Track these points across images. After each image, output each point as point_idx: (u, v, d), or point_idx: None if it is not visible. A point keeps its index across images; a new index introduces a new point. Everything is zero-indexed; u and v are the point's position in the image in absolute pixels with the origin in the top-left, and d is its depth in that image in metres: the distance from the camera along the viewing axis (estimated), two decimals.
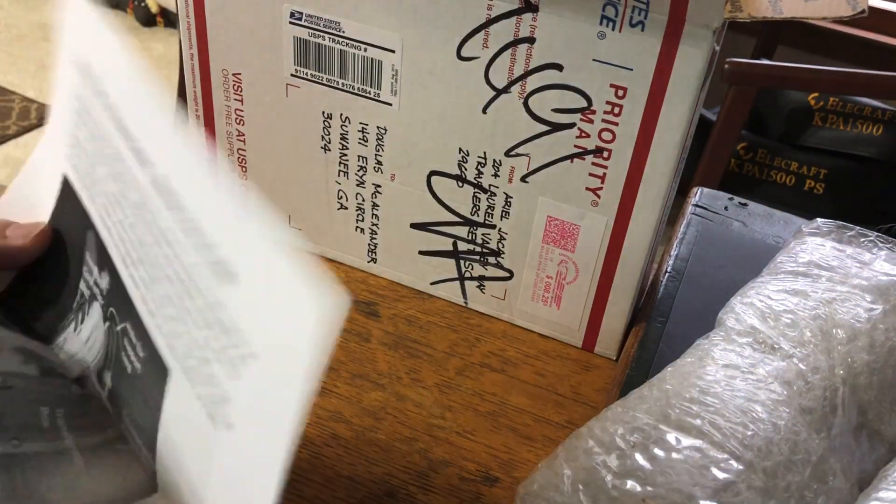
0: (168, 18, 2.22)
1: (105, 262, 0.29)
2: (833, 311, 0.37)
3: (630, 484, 0.29)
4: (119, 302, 0.29)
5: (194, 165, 0.25)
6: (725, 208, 0.55)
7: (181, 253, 0.25)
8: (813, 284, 0.39)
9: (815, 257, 0.41)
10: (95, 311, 0.30)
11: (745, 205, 0.55)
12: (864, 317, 0.36)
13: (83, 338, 0.30)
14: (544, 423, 0.42)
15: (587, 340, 0.47)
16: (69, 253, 0.31)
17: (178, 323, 0.26)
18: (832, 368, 0.34)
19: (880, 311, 0.37)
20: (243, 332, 0.23)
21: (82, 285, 0.31)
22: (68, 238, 0.31)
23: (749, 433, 0.31)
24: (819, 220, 0.45)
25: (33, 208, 0.33)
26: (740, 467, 0.30)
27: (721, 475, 0.30)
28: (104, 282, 0.29)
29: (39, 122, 1.69)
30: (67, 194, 0.31)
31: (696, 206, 0.55)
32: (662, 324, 0.44)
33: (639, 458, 0.30)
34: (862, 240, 0.42)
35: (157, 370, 0.27)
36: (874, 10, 1.28)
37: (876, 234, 0.42)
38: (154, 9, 2.22)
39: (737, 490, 0.29)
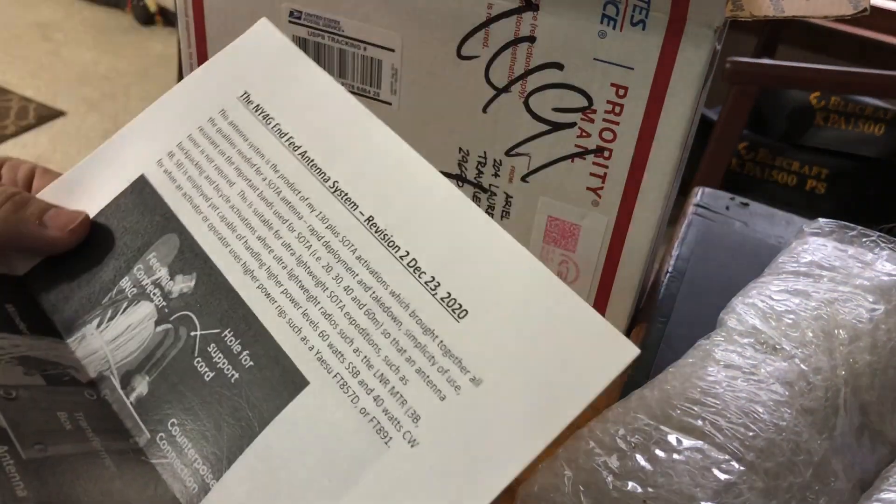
0: (167, 17, 2.22)
1: (192, 268, 0.29)
2: (835, 311, 0.36)
3: (631, 485, 0.29)
4: (211, 309, 0.28)
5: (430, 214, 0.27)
6: (727, 208, 0.54)
7: (389, 284, 0.26)
8: (815, 285, 0.38)
9: (816, 257, 0.41)
10: (141, 310, 0.29)
11: (746, 205, 0.55)
12: (866, 317, 0.36)
13: (109, 336, 0.29)
14: None
15: None
16: (115, 248, 0.31)
17: (347, 341, 0.26)
18: (834, 369, 0.34)
19: (882, 312, 0.36)
20: (465, 360, 0.24)
21: (125, 283, 0.30)
22: (121, 234, 0.31)
23: (750, 434, 0.31)
24: (821, 219, 0.44)
25: (84, 197, 0.32)
26: (742, 468, 0.30)
27: (722, 476, 0.29)
28: (178, 286, 0.29)
29: (37, 122, 1.69)
30: (142, 193, 0.31)
31: (698, 206, 0.54)
32: (663, 324, 0.44)
33: (640, 459, 0.30)
34: (864, 240, 0.42)
35: (279, 381, 0.26)
36: (876, 10, 1.28)
37: (878, 233, 0.42)
38: (153, 8, 2.22)
39: (738, 491, 0.29)
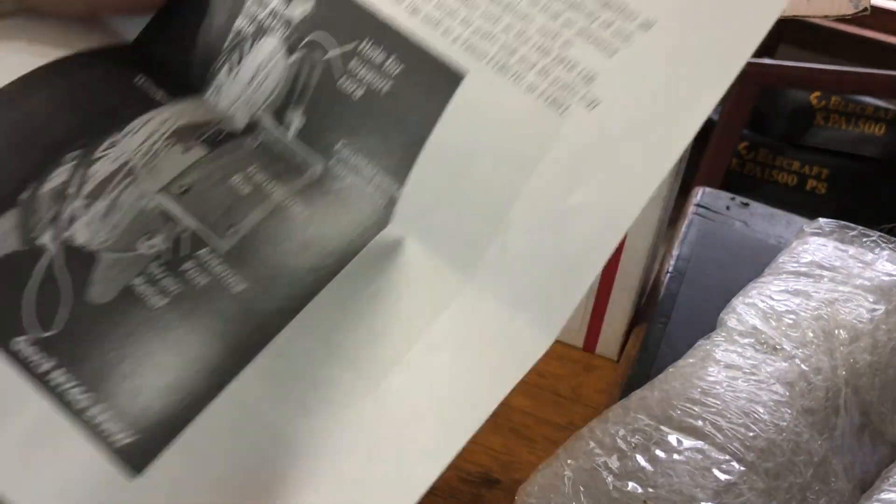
0: None
1: None
2: (835, 311, 0.36)
3: (631, 485, 0.29)
4: (339, 26, 0.26)
5: None
6: (727, 208, 0.54)
7: None
8: (815, 285, 0.38)
9: (817, 257, 0.40)
10: (266, 45, 0.27)
11: (746, 205, 0.55)
12: (867, 317, 0.36)
13: (244, 78, 0.27)
14: (545, 424, 0.42)
15: (588, 341, 0.47)
16: None
17: (492, 21, 0.24)
18: (834, 369, 0.34)
19: (883, 312, 0.36)
20: (630, 5, 0.22)
21: (240, 22, 0.27)
22: None
23: (751, 434, 0.31)
24: (821, 219, 0.44)
25: None
26: (742, 468, 0.30)
27: (723, 476, 0.29)
28: (297, 10, 0.26)
29: None
30: None
31: (698, 206, 0.54)
32: (664, 324, 0.44)
33: (640, 459, 0.30)
34: (864, 240, 0.42)
35: (433, 80, 0.24)
36: (877, 10, 1.28)
37: (878, 233, 0.42)
38: None
39: (738, 491, 0.29)
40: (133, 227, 0.24)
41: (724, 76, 0.22)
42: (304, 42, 0.26)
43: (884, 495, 0.31)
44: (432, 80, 0.25)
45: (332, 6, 0.26)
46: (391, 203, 0.25)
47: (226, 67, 0.27)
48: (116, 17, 0.28)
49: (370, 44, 0.25)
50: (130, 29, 0.28)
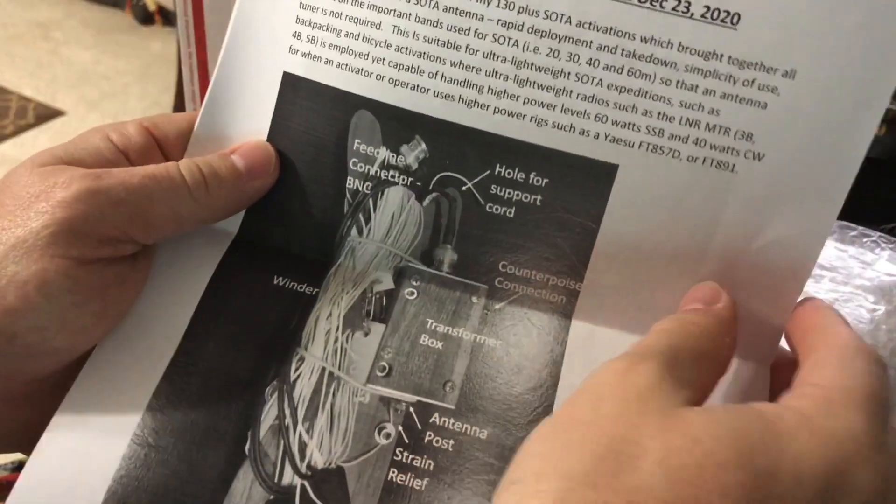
0: (166, 17, 2.22)
1: (409, 132, 0.26)
2: None
3: None
4: (464, 157, 0.25)
5: None
6: None
7: (633, 32, 0.23)
8: (815, 285, 0.38)
9: None
10: (393, 196, 0.26)
11: None
12: (867, 317, 0.36)
13: (379, 233, 0.26)
14: None
15: None
16: (311, 158, 0.27)
17: (628, 111, 0.24)
18: None
19: (883, 312, 0.36)
20: (764, 61, 0.23)
21: (351, 182, 0.26)
22: (304, 142, 0.27)
23: None
24: None
25: (243, 130, 0.27)
26: None
27: None
28: (412, 155, 0.26)
29: (36, 122, 1.69)
30: (296, 89, 0.26)
31: None
32: None
33: None
34: (865, 240, 0.42)
35: (586, 181, 0.24)
36: None
37: (879, 234, 0.42)
38: (152, 7, 2.22)
39: None
40: (361, 426, 0.24)
41: (877, 103, 0.23)
42: (433, 181, 0.26)
43: None
44: (586, 179, 0.24)
45: (450, 141, 0.25)
46: (572, 297, 0.25)
47: (354, 229, 0.27)
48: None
49: (504, 166, 0.25)
50: (227, 223, 0.27)
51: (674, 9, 0.23)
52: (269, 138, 0.27)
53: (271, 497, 0.23)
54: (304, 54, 0.26)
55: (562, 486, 0.16)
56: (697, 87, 0.23)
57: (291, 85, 0.26)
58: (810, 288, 0.38)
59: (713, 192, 0.24)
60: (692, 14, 0.23)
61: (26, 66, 1.88)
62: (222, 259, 0.27)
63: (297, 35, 0.26)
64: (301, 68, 0.26)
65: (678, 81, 0.23)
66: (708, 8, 0.23)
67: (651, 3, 0.23)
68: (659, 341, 0.20)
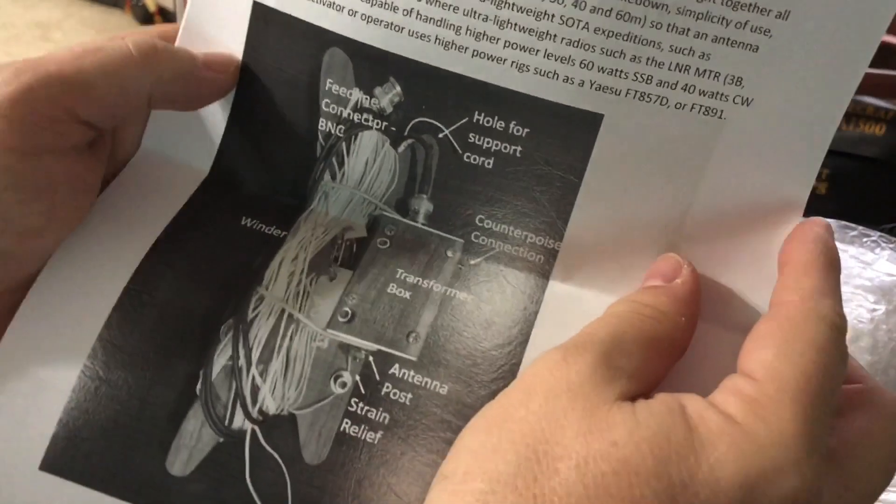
0: (166, 17, 2.21)
1: (384, 74, 0.24)
2: None
3: None
4: (441, 103, 0.24)
5: None
6: None
7: None
8: None
9: None
10: (367, 140, 0.25)
11: None
12: (867, 317, 0.36)
13: (353, 179, 0.25)
14: None
15: None
16: (282, 94, 0.26)
17: (616, 57, 0.22)
18: None
19: (883, 312, 0.36)
20: (758, 1, 0.22)
21: (323, 124, 0.25)
22: (276, 77, 0.26)
23: None
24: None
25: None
26: None
27: None
28: (386, 99, 0.24)
29: None
30: (267, 22, 0.25)
31: None
32: None
33: None
34: (864, 240, 0.42)
35: (569, 131, 0.23)
36: None
37: (879, 233, 0.42)
38: (152, 7, 2.21)
39: None
40: (317, 373, 0.23)
41: (864, 51, 0.22)
42: (408, 127, 0.25)
43: (884, 496, 0.31)
44: (568, 130, 0.23)
45: (427, 85, 0.24)
46: (551, 256, 0.24)
47: (327, 173, 0.26)
48: (184, 150, 0.26)
49: (483, 114, 0.24)
50: (198, 157, 0.26)
51: None
52: (242, 72, 0.26)
53: (221, 440, 0.22)
54: None
55: (484, 488, 0.17)
56: (689, 30, 0.22)
57: (262, 16, 0.25)
58: None
59: (700, 140, 0.23)
60: None
61: None
62: (191, 197, 0.26)
63: None
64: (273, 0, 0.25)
65: (669, 24, 0.22)
66: None
67: None
68: (602, 329, 0.20)
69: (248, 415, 0.22)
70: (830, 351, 0.18)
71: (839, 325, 0.19)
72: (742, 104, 0.22)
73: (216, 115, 0.26)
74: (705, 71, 0.22)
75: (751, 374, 0.18)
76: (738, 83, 0.22)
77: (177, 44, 0.26)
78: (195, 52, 0.25)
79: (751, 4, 0.22)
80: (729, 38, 0.22)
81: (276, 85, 0.26)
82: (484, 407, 0.19)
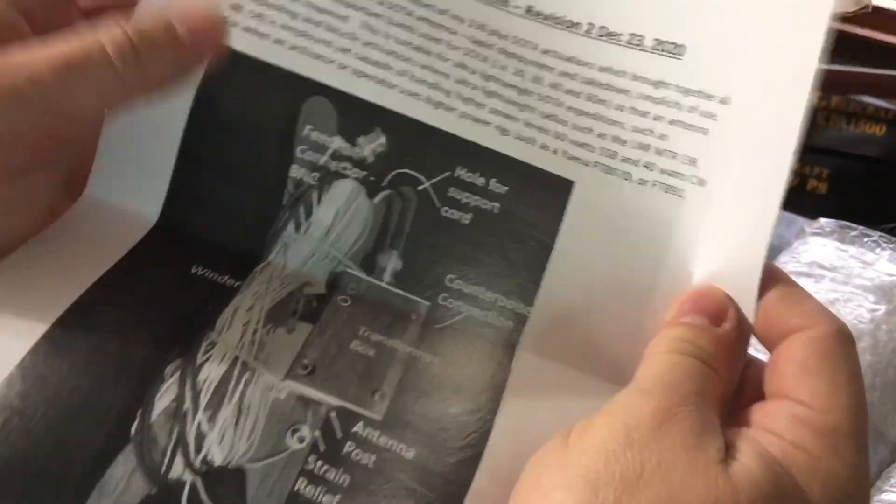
0: None
1: (370, 124, 0.25)
2: (836, 311, 0.36)
3: None
4: (424, 156, 0.25)
5: None
6: None
7: (592, 61, 0.25)
8: (816, 285, 0.38)
9: (817, 257, 0.40)
10: (340, 190, 0.25)
11: None
12: (867, 317, 0.36)
13: (318, 231, 0.25)
14: None
15: None
16: (253, 141, 0.25)
17: (585, 132, 0.24)
18: None
19: (883, 312, 0.36)
20: (704, 88, 0.24)
21: (296, 171, 0.25)
22: (240, 122, 0.25)
23: None
24: (822, 219, 0.44)
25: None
26: None
27: None
28: (369, 148, 0.25)
29: None
30: (233, 66, 0.25)
31: None
32: None
33: None
34: (865, 240, 0.42)
35: (543, 193, 0.24)
36: (876, 10, 1.28)
37: (879, 233, 0.42)
38: None
39: None
40: (272, 424, 0.21)
41: (793, 127, 0.23)
42: (388, 178, 0.25)
43: (884, 496, 0.31)
44: (544, 193, 0.24)
45: (411, 138, 0.25)
46: (520, 322, 0.24)
47: (291, 224, 0.25)
48: (131, 196, 0.25)
49: (465, 170, 0.25)
50: (145, 202, 0.25)
51: (628, 42, 0.25)
52: (192, 116, 0.25)
53: (153, 491, 0.19)
54: (245, 28, 0.25)
55: None
56: (648, 113, 0.24)
57: (226, 59, 0.24)
58: (810, 288, 0.38)
59: (663, 217, 0.24)
60: (644, 46, 0.25)
61: None
62: (137, 243, 0.24)
63: (237, 8, 0.25)
64: (240, 43, 0.25)
65: (631, 107, 0.24)
66: (658, 41, 0.25)
67: (609, 37, 0.25)
68: (683, 379, 0.19)
69: (189, 464, 0.20)
70: (859, 370, 0.20)
71: (853, 339, 0.20)
72: (698, 184, 0.24)
73: (163, 158, 0.25)
74: (664, 150, 0.24)
75: (807, 403, 0.19)
76: (694, 163, 0.24)
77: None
78: (173, 19, 0.22)
79: (698, 91, 0.24)
80: (682, 121, 0.24)
81: (238, 128, 0.25)
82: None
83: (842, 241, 0.42)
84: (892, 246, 0.41)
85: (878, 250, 0.41)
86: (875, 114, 1.37)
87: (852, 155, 1.37)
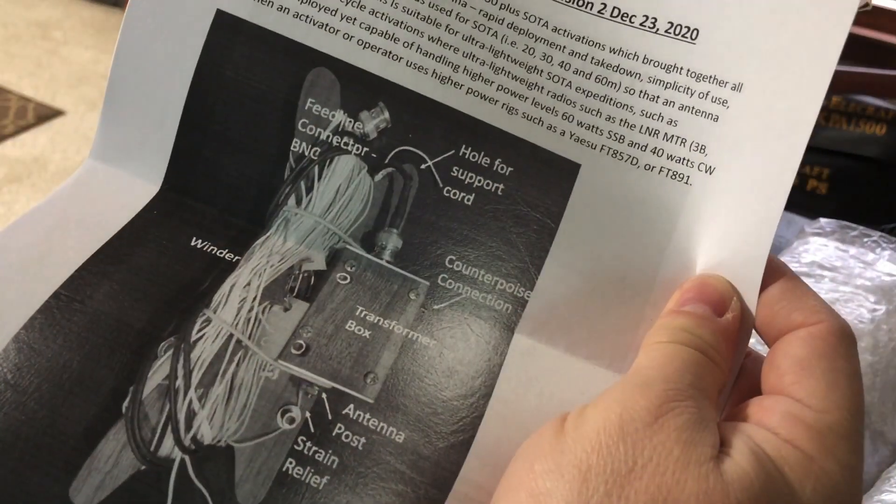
0: None
1: (373, 98, 0.24)
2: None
3: None
4: (428, 133, 0.24)
5: None
6: None
7: (604, 42, 0.24)
8: (816, 285, 0.38)
9: (818, 258, 0.40)
10: (342, 165, 0.24)
11: None
12: (868, 317, 0.36)
13: (320, 206, 0.24)
14: None
15: None
16: (255, 109, 0.25)
17: (594, 114, 0.24)
18: None
19: (883, 312, 0.36)
20: (717, 74, 0.24)
21: (297, 145, 0.24)
22: (247, 91, 0.25)
23: None
24: (822, 220, 0.44)
25: (158, 68, 0.25)
26: None
27: None
28: (372, 124, 0.24)
29: (36, 122, 1.70)
30: (235, 33, 0.24)
31: None
32: None
33: None
34: (865, 240, 0.41)
35: (548, 175, 0.24)
36: (877, 10, 1.28)
37: (879, 233, 0.42)
38: None
39: None
40: (263, 404, 0.21)
41: (807, 119, 0.23)
42: (391, 155, 0.24)
43: (885, 496, 0.31)
44: (549, 175, 0.24)
45: (416, 113, 0.24)
46: (519, 306, 0.23)
47: (293, 198, 0.24)
48: (133, 164, 0.25)
49: (470, 149, 0.24)
50: (148, 172, 0.25)
51: (641, 24, 0.24)
52: (194, 84, 0.25)
53: (142, 467, 0.20)
54: None
55: None
56: (658, 97, 0.24)
57: (228, 26, 0.24)
58: None
59: (667, 204, 0.24)
60: (657, 29, 0.24)
61: (26, 65, 1.88)
62: (138, 213, 0.24)
63: None
64: (243, 9, 0.24)
65: (641, 91, 0.24)
66: (671, 24, 0.24)
67: (622, 18, 0.24)
68: (679, 370, 0.19)
69: (178, 442, 0.20)
70: (858, 367, 0.19)
71: (854, 338, 0.20)
72: (706, 172, 0.24)
73: (165, 124, 0.25)
74: (673, 136, 0.24)
75: (804, 401, 0.19)
76: (703, 150, 0.24)
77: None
78: None
79: (711, 77, 0.24)
80: (693, 107, 0.24)
81: (239, 99, 0.25)
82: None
83: (842, 241, 0.42)
84: (892, 246, 0.41)
85: (878, 250, 0.41)
86: (875, 114, 1.37)
87: (852, 155, 1.37)
